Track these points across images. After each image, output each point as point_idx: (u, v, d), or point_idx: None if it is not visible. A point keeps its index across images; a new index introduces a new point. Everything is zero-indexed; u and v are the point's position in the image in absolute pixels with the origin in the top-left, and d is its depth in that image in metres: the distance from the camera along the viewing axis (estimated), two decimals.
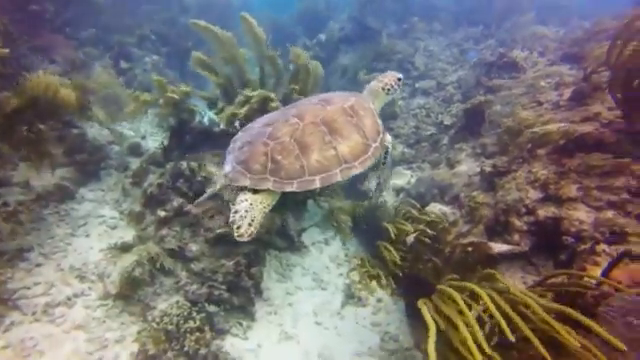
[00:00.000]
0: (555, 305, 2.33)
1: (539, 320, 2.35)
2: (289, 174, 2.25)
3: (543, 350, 2.07)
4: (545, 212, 3.68)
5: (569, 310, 2.28)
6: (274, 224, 5.57)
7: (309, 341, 4.43)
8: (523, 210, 3.88)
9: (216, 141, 6.09)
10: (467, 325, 2.32)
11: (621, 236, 3.19)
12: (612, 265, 2.62)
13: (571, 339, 2.08)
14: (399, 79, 2.86)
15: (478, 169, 4.93)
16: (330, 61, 8.87)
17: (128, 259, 4.49)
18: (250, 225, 2.21)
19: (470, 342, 2.19)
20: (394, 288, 4.56)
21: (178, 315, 3.94)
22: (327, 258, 5.74)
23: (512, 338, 2.10)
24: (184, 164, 5.02)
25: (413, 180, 5.78)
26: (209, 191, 2.65)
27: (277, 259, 5.55)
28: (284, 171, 2.25)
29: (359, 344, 4.43)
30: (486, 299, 2.32)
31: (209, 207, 4.94)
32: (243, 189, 2.33)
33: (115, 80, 7.28)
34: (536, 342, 2.09)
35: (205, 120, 6.61)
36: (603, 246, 3.22)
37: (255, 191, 2.30)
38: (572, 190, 3.67)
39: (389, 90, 2.83)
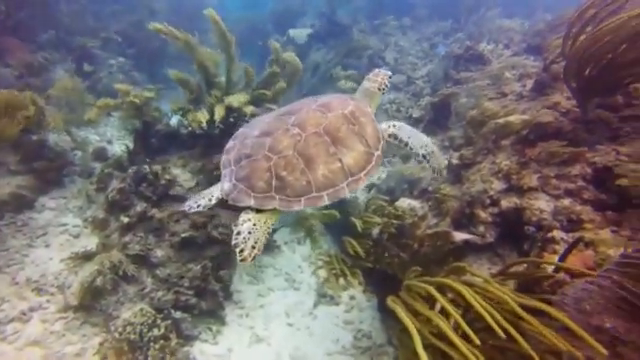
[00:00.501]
0: (533, 302, 2.29)
1: (503, 310, 2.33)
2: (296, 191, 2.12)
3: (527, 346, 2.03)
4: (508, 202, 3.71)
5: (543, 305, 2.27)
6: None
7: (281, 343, 4.36)
8: (488, 201, 3.90)
9: (184, 143, 5.95)
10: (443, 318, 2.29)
11: (577, 223, 3.23)
12: (567, 253, 2.64)
13: (556, 341, 2.04)
14: (390, 77, 2.76)
15: (446, 162, 4.94)
16: (301, 58, 8.77)
17: (90, 268, 4.32)
18: (254, 248, 2.06)
19: (454, 338, 2.12)
20: (365, 285, 4.55)
21: (142, 323, 3.81)
22: (300, 257, 5.68)
23: (502, 335, 2.03)
24: (147, 168, 4.86)
25: (384, 175, 5.77)
26: (202, 202, 2.36)
27: None
28: (290, 188, 2.12)
29: (332, 343, 4.39)
30: (466, 294, 2.27)
31: (174, 211, 4.81)
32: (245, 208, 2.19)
33: (77, 84, 7.01)
34: (519, 338, 2.04)
35: (173, 122, 6.44)
36: (561, 234, 3.26)
37: (258, 210, 2.16)
38: (533, 180, 3.71)
39: (384, 90, 2.71)
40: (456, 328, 2.49)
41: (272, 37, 10.32)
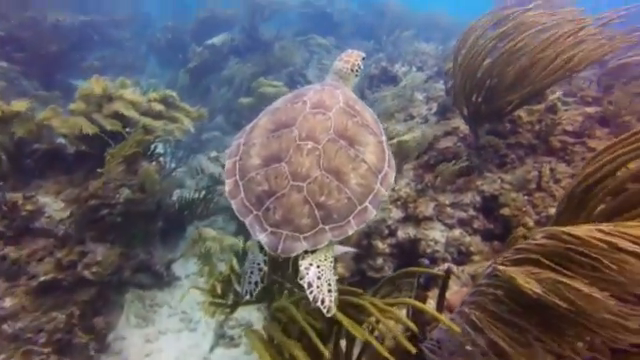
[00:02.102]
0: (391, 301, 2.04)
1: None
2: (342, 213, 1.83)
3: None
4: (404, 233, 3.56)
5: (407, 300, 2.06)
6: (134, 259, 4.81)
7: None
8: (386, 232, 3.72)
9: (69, 166, 5.14)
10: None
11: (467, 255, 3.14)
12: (442, 290, 2.47)
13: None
14: (363, 58, 2.43)
15: None
16: (218, 69, 8.33)
17: None
18: (330, 291, 1.81)
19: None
20: None
21: None
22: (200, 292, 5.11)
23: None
24: (1, 196, 4.05)
25: None
26: (256, 279, 1.98)
27: (140, 299, 4.77)
28: (336, 213, 1.82)
29: None
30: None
31: (37, 247, 4.04)
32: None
33: None
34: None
35: (61, 139, 5.58)
36: (453, 267, 3.14)
37: (313, 250, 1.86)
38: (429, 208, 3.61)
39: (357, 71, 2.39)
40: None
41: (190, 48, 9.78)
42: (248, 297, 1.96)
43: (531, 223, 2.98)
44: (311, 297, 1.76)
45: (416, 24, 12.06)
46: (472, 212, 3.40)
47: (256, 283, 1.96)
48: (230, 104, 7.53)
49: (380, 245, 3.65)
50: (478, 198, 3.43)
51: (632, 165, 1.83)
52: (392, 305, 2.03)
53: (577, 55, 3.09)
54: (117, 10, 14.13)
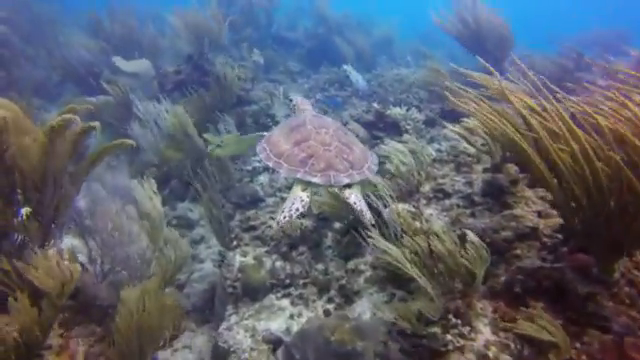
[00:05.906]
0: None
1: None
2: (357, 165, 2.75)
3: None
4: None
5: None
6: None
7: None
8: None
9: None
10: None
11: None
12: None
13: None
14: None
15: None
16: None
17: None
18: (368, 210, 2.62)
19: None
20: None
21: None
22: None
23: None
24: None
25: (296, 325, 3.76)
26: (297, 206, 2.56)
27: None
28: (355, 163, 2.74)
29: None
30: None
31: None
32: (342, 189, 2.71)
33: None
34: None
35: None
36: None
37: (349, 186, 2.67)
38: None
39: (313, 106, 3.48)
40: None
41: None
42: (288, 219, 2.48)
43: None
44: (357, 210, 2.59)
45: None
46: None
47: (297, 209, 2.52)
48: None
49: None
50: None
51: None
52: None
53: None
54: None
